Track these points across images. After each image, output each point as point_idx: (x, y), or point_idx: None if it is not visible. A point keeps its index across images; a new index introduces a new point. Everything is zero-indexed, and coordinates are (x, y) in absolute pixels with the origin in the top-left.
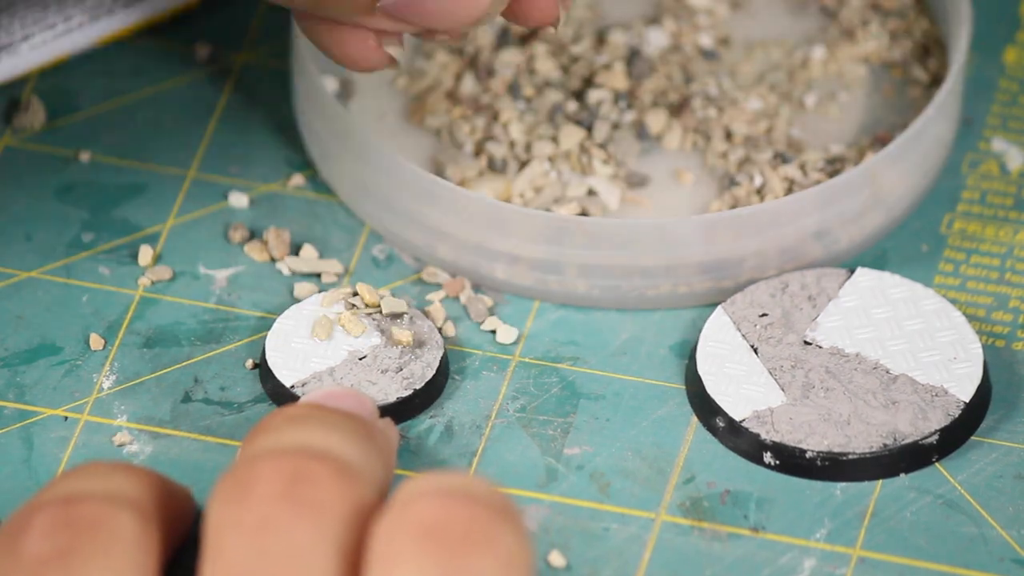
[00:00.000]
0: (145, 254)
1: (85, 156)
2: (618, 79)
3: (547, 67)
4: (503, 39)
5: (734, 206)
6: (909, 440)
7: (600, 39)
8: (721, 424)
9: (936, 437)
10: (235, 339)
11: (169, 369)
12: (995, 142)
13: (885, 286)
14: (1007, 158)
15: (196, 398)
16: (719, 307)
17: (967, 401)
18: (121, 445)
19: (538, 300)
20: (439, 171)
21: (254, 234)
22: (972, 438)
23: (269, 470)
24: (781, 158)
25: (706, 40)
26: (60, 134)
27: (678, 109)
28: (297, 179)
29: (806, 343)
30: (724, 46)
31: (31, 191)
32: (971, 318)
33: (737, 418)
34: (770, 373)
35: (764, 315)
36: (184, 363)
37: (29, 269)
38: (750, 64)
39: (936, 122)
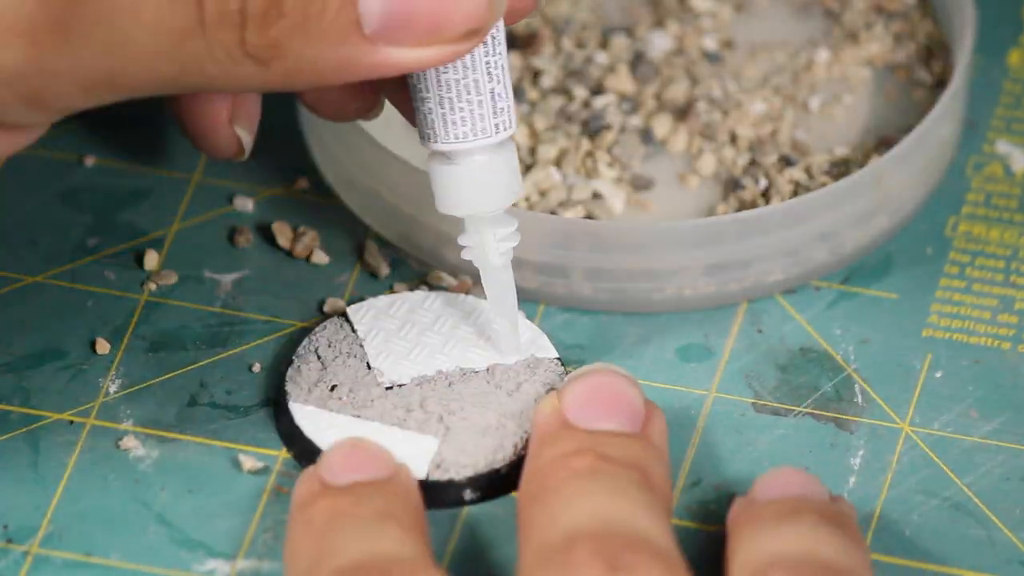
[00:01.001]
0: (150, 258)
1: (90, 160)
2: (623, 83)
3: (552, 71)
4: (508, 43)
5: (740, 209)
6: None
7: (604, 43)
8: None
9: None
10: (241, 343)
11: (175, 373)
12: (999, 144)
13: (388, 306)
14: (1011, 160)
15: (202, 402)
16: (291, 403)
17: (558, 357)
18: (127, 449)
19: (544, 303)
20: None
21: (261, 237)
22: (978, 440)
23: (588, 553)
24: (786, 161)
25: (710, 43)
26: (64, 139)
27: (683, 113)
28: (302, 183)
29: (388, 388)
30: (728, 49)
31: (36, 196)
32: (976, 320)
33: (422, 477)
34: (399, 428)
35: (334, 387)
36: (190, 367)
37: (34, 274)
38: (754, 67)
39: (941, 124)
